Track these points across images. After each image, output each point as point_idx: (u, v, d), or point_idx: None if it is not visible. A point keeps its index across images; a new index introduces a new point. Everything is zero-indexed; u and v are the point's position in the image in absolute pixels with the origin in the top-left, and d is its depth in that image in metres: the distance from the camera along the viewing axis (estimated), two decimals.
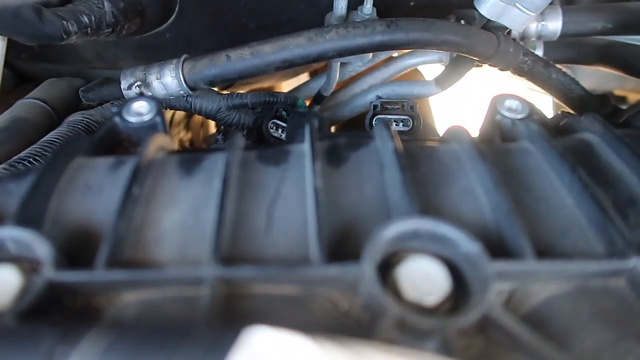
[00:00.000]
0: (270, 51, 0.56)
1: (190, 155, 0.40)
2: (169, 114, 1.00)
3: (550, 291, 0.30)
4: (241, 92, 0.74)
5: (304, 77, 1.09)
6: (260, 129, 0.67)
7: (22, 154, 0.54)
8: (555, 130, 0.44)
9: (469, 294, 0.29)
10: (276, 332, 0.20)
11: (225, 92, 0.75)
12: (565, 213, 0.35)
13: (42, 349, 0.20)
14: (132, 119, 0.43)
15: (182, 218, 0.34)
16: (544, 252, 0.31)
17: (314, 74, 1.05)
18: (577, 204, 0.35)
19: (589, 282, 0.31)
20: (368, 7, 0.62)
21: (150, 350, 0.20)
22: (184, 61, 0.59)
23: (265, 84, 1.09)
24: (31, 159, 0.52)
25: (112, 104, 0.69)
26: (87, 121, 0.62)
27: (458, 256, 0.30)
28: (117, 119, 0.43)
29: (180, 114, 1.10)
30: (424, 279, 0.29)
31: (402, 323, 0.26)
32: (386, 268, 0.30)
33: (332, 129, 0.95)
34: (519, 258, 0.30)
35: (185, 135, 1.18)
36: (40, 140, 0.57)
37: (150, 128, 0.43)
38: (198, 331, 0.21)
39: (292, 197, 0.36)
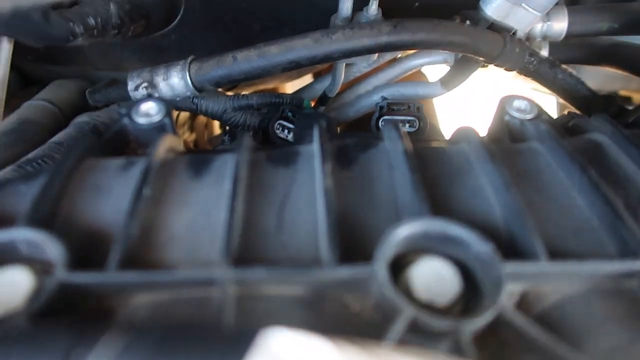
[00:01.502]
0: (277, 52, 0.56)
1: (200, 157, 0.40)
2: (173, 115, 1.00)
3: (563, 292, 0.30)
4: (246, 92, 0.74)
5: (308, 78, 1.09)
6: (266, 130, 0.67)
7: (30, 156, 0.53)
8: (564, 130, 0.44)
9: (480, 295, 0.29)
10: (294, 333, 0.20)
11: (230, 93, 0.75)
12: (576, 213, 0.35)
13: (59, 350, 0.20)
14: (141, 120, 0.43)
15: (193, 219, 0.34)
16: (555, 252, 0.31)
17: (318, 75, 1.05)
18: (588, 204, 0.35)
19: (602, 283, 0.31)
20: (373, 8, 0.62)
21: (168, 353, 0.20)
22: (190, 62, 0.59)
23: (269, 85, 1.09)
24: (39, 161, 0.52)
25: (119, 105, 0.69)
26: (94, 122, 0.62)
27: (469, 257, 0.30)
28: (125, 120, 0.44)
29: (184, 115, 1.10)
30: (435, 280, 0.29)
31: (414, 324, 0.26)
32: (396, 269, 0.30)
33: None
34: (531, 259, 0.30)
35: (190, 137, 1.18)
36: (48, 141, 0.57)
37: (159, 129, 0.43)
38: (215, 333, 0.21)
39: (303, 198, 0.36)
